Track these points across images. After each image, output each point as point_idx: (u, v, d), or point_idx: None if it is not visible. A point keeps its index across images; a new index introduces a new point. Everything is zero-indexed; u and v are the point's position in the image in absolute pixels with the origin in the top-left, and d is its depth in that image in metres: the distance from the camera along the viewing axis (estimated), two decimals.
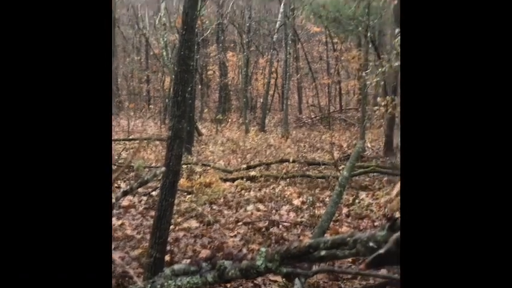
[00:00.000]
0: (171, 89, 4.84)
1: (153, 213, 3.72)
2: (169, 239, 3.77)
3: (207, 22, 16.05)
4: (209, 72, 20.11)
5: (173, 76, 4.50)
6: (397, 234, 0.65)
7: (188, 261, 3.68)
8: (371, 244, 1.07)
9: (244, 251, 4.12)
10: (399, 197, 5.20)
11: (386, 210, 5.58)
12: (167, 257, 3.56)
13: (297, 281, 2.45)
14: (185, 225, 4.90)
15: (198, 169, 7.82)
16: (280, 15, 14.98)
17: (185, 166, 7.73)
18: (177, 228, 4.76)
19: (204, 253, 4.09)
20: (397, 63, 8.70)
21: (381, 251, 0.65)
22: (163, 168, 2.59)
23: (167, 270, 1.74)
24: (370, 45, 11.10)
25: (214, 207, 5.76)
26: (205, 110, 17.96)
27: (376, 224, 5.13)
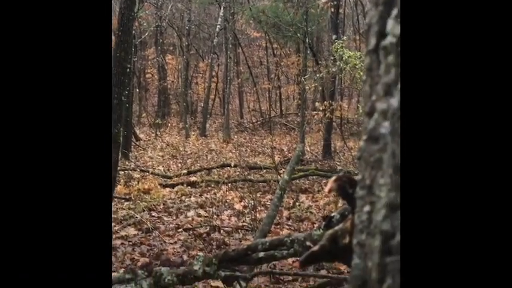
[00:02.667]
0: None
1: None
2: None
3: (145, 24, 15.71)
4: (147, 76, 19.65)
5: None
6: (331, 231, 0.65)
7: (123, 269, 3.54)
8: (308, 243, 1.08)
9: (185, 257, 4.04)
10: (333, 196, 5.31)
11: (325, 212, 5.73)
12: None
13: (237, 286, 2.43)
14: (123, 233, 4.72)
15: (136, 175, 7.60)
16: (220, 19, 14.97)
17: (122, 172, 7.48)
18: (114, 236, 4.58)
19: (143, 261, 3.96)
20: (334, 69, 9.01)
21: (315, 248, 0.65)
22: None
23: None
24: (308, 51, 11.39)
25: (154, 214, 5.61)
26: (144, 114, 17.51)
27: (316, 225, 5.24)
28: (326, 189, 0.60)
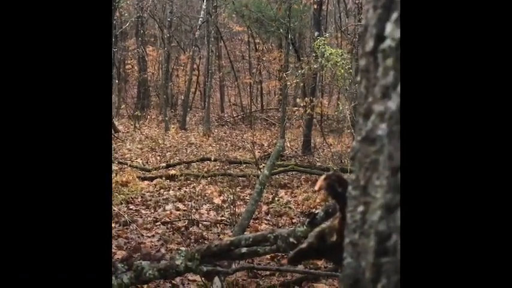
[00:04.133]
0: None
1: None
2: None
3: (126, 14, 15.47)
4: (127, 67, 19.35)
5: None
6: (319, 228, 0.65)
7: None
8: (291, 240, 1.08)
9: (163, 251, 4.02)
10: (317, 195, 5.36)
11: (304, 207, 5.77)
12: None
13: (216, 279, 2.43)
14: None
15: (114, 167, 7.49)
16: (202, 12, 14.84)
17: None
18: None
19: (120, 254, 3.92)
20: (316, 66, 9.05)
21: (303, 245, 0.65)
22: None
23: None
24: (290, 47, 11.42)
25: (131, 206, 5.55)
26: (123, 106, 17.24)
27: (294, 220, 5.27)
28: (316, 187, 0.61)
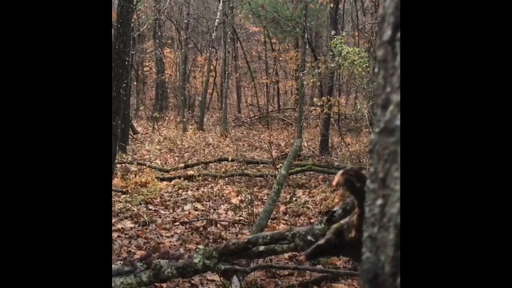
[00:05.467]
0: None
1: None
2: None
3: (143, 17, 15.64)
4: (145, 69, 19.56)
5: None
6: (337, 224, 0.64)
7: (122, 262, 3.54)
8: (309, 238, 1.07)
9: (182, 250, 4.04)
10: (334, 194, 5.32)
11: (322, 207, 5.74)
12: None
13: (235, 279, 2.43)
14: (119, 226, 4.71)
15: (133, 168, 7.58)
16: (219, 13, 14.90)
17: (120, 165, 7.46)
18: None
19: (140, 254, 3.96)
20: (333, 65, 8.99)
21: (321, 241, 0.64)
22: None
23: None
24: (307, 47, 11.37)
25: (150, 207, 5.60)
26: (141, 108, 17.44)
27: (312, 220, 5.25)
28: (333, 182, 0.60)
